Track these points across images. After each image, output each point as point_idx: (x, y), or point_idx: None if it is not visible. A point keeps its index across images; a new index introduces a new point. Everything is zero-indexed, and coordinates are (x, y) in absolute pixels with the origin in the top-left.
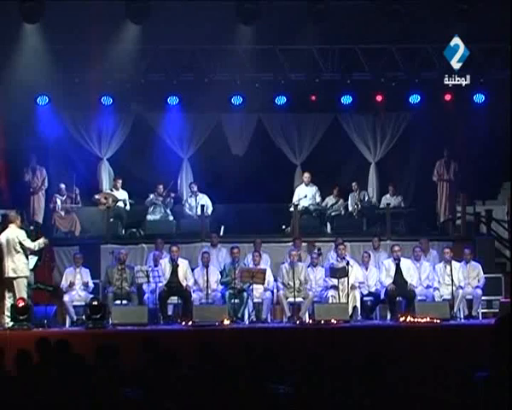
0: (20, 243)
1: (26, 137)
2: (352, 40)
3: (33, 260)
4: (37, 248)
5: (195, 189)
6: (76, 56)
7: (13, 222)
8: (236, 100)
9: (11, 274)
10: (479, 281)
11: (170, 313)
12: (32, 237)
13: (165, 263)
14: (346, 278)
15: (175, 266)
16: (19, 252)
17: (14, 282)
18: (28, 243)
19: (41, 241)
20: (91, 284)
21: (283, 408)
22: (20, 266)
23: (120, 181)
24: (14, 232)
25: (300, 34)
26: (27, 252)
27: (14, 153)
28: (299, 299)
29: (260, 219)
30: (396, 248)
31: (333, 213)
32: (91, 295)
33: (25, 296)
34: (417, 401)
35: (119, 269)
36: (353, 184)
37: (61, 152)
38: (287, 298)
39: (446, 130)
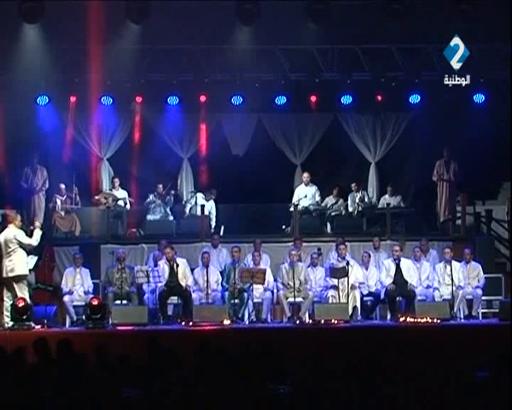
0: (19, 243)
1: (26, 137)
2: (352, 40)
3: (33, 259)
4: (36, 243)
5: (213, 197)
6: (76, 56)
7: (12, 222)
8: (236, 100)
9: (9, 274)
10: (479, 281)
11: (170, 313)
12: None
13: (163, 263)
14: (346, 278)
15: (174, 266)
16: (17, 252)
17: (13, 282)
18: (27, 240)
19: (38, 233)
20: (91, 289)
21: (283, 408)
22: (18, 266)
23: (118, 180)
24: (13, 232)
25: (300, 34)
26: (27, 249)
27: (14, 153)
28: (299, 299)
29: (260, 219)
30: (396, 248)
31: (333, 213)
32: (91, 295)
33: (25, 296)
34: (417, 401)
35: (118, 269)
36: (353, 184)
37: (60, 152)
38: (287, 298)
39: (446, 130)
